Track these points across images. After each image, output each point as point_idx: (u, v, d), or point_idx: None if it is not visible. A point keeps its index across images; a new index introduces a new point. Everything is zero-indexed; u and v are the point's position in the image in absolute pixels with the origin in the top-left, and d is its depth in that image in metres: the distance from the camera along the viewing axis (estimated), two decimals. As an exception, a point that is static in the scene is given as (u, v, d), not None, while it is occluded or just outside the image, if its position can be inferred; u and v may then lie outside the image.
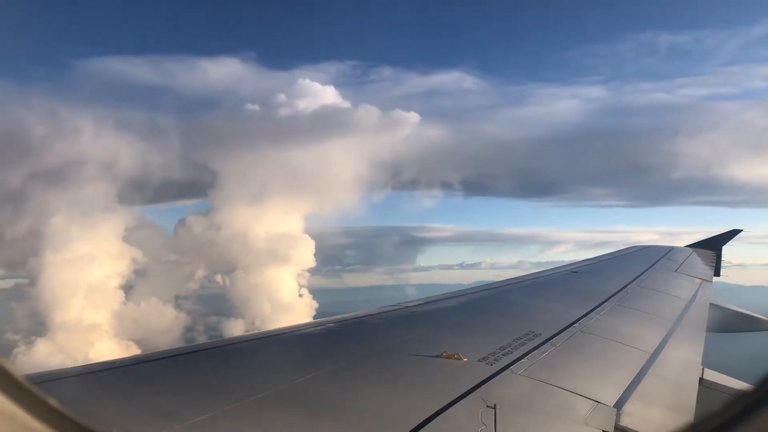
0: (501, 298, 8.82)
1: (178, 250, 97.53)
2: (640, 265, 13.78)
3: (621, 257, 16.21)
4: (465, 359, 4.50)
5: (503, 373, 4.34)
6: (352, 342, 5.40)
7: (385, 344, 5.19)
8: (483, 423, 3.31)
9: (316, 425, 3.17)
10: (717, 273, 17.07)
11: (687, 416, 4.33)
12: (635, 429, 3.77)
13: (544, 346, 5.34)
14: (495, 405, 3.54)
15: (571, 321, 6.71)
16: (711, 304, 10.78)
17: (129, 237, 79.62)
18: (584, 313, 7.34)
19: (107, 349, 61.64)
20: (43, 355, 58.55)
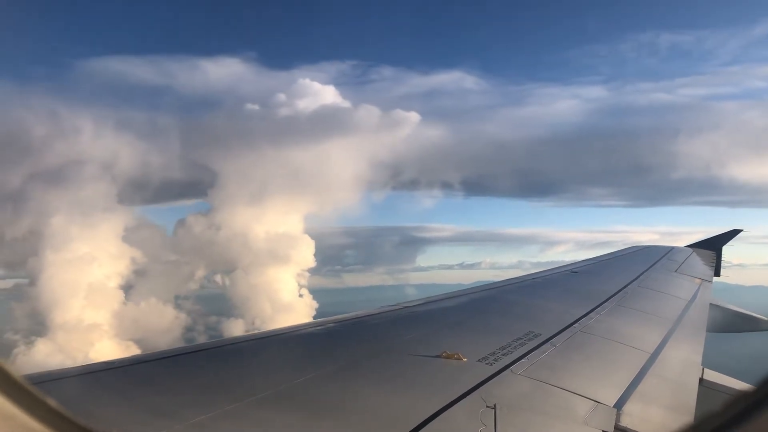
0: (501, 298, 8.82)
1: (178, 250, 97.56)
2: (640, 265, 13.78)
3: (621, 257, 16.21)
4: (465, 359, 4.50)
5: (503, 373, 4.34)
6: (352, 342, 5.40)
7: (385, 344, 5.19)
8: (483, 423, 3.31)
9: (316, 425, 3.17)
10: (717, 273, 17.07)
11: (687, 416, 4.33)
12: (635, 429, 3.77)
13: (544, 346, 5.34)
14: (495, 405, 3.54)
15: (571, 321, 6.71)
16: (711, 304, 10.77)
17: (129, 237, 79.62)
18: (584, 313, 7.34)
19: (107, 349, 61.63)
20: (43, 355, 58.54)
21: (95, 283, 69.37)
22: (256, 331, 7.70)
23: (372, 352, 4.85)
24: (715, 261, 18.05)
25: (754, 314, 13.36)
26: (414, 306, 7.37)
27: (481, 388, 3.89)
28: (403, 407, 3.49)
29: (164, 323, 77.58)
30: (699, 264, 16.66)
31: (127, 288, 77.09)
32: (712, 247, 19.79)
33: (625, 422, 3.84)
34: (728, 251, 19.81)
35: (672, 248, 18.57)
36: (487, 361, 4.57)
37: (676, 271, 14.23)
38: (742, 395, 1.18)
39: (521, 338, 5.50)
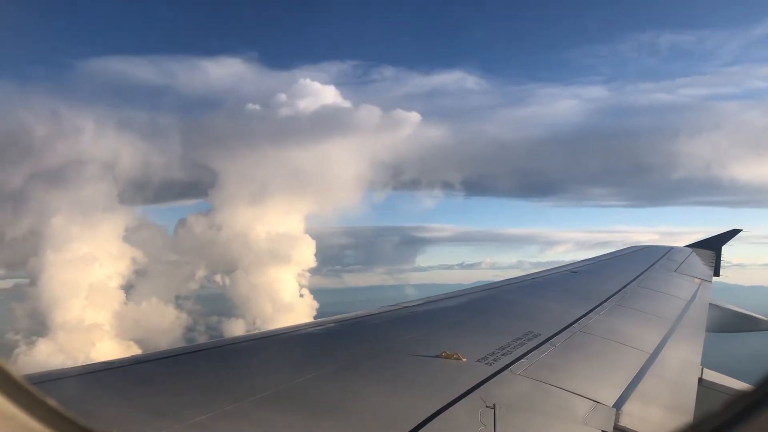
0: (501, 298, 8.82)
1: (179, 250, 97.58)
2: (639, 265, 13.78)
3: (620, 257, 16.21)
4: (464, 359, 4.50)
5: (502, 373, 4.34)
6: (352, 342, 5.40)
7: (385, 344, 5.19)
8: (482, 423, 3.31)
9: (316, 425, 3.17)
10: (716, 273, 17.08)
11: (686, 416, 4.33)
12: (634, 429, 3.78)
13: (543, 346, 5.34)
14: (494, 405, 3.54)
15: (571, 321, 6.71)
16: (710, 304, 10.78)
17: (129, 237, 79.65)
18: (584, 313, 7.34)
19: (108, 349, 61.65)
20: (44, 356, 58.56)
21: (96, 283, 69.42)
22: (257, 331, 7.70)
23: (372, 352, 4.85)
24: (714, 261, 18.05)
25: (754, 314, 13.36)
26: (414, 306, 7.37)
27: (480, 388, 3.89)
28: (403, 407, 3.49)
29: (165, 323, 77.64)
30: (698, 264, 16.67)
31: (128, 288, 77.19)
32: (712, 247, 19.79)
33: (624, 422, 3.84)
34: (728, 251, 19.83)
35: (671, 248, 18.57)
36: (486, 361, 4.57)
37: (675, 271, 14.23)
38: (741, 395, 1.18)
39: (521, 338, 5.50)
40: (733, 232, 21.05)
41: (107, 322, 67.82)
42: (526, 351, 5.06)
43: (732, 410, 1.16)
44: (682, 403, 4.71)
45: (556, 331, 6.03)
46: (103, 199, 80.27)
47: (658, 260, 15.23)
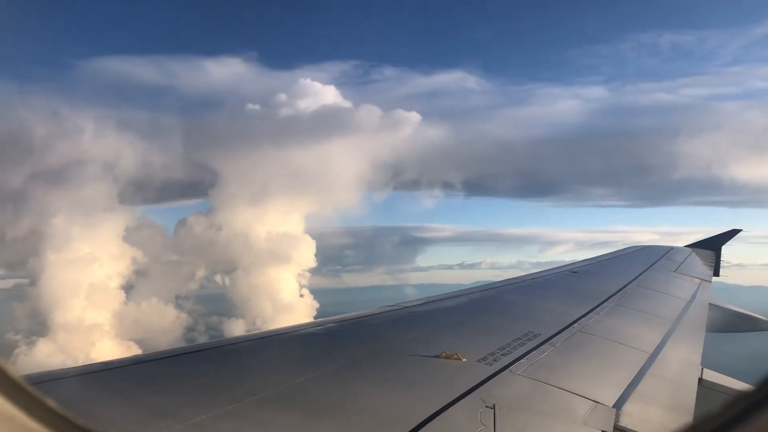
0: (500, 298, 8.82)
1: (179, 250, 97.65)
2: (639, 265, 13.78)
3: (620, 257, 16.21)
4: (464, 359, 4.50)
5: (502, 373, 4.34)
6: (352, 342, 5.40)
7: (385, 344, 5.19)
8: (482, 423, 3.31)
9: (316, 425, 3.17)
10: (716, 273, 17.08)
11: (686, 416, 4.33)
12: (634, 429, 3.77)
13: (543, 347, 5.34)
14: (494, 405, 3.54)
15: (571, 321, 6.71)
16: (710, 304, 10.78)
17: (130, 237, 79.68)
18: (583, 313, 7.34)
19: (108, 349, 61.68)
20: (45, 356, 58.58)
21: (96, 283, 69.44)
22: (257, 331, 7.70)
23: (372, 352, 4.85)
24: (714, 261, 18.06)
25: (754, 314, 13.36)
26: (414, 306, 7.37)
27: (480, 388, 3.89)
28: (403, 407, 3.49)
29: (165, 323, 77.69)
30: (698, 264, 16.67)
31: (128, 288, 77.22)
32: (712, 247, 19.80)
33: (624, 422, 3.84)
34: (728, 251, 19.83)
35: (671, 248, 18.57)
36: (486, 361, 4.57)
37: (675, 271, 14.23)
38: (741, 395, 1.18)
39: (520, 338, 5.50)
40: (733, 232, 21.06)
41: (107, 322, 67.91)
42: (525, 351, 5.06)
43: (732, 410, 1.16)
44: (682, 403, 4.71)
45: (556, 332, 6.03)
46: (104, 199, 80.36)
47: (658, 260, 15.24)
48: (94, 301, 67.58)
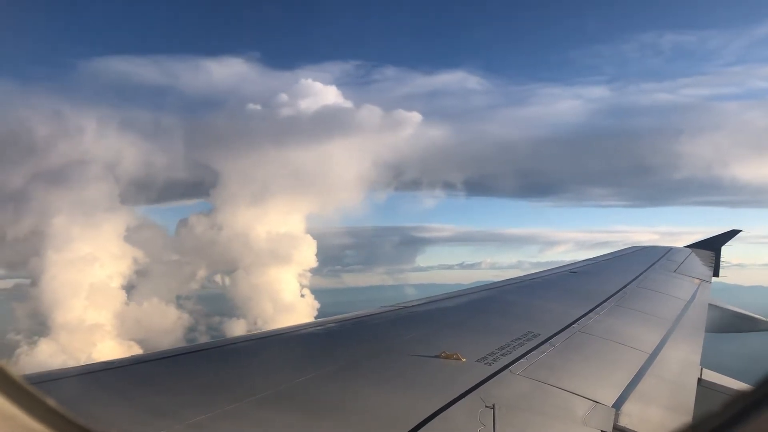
0: (500, 298, 8.82)
1: (180, 250, 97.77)
2: (639, 265, 13.79)
3: (620, 258, 16.22)
4: (464, 359, 4.50)
5: (502, 373, 4.34)
6: (352, 342, 5.40)
7: (385, 344, 5.19)
8: (482, 423, 3.31)
9: (316, 425, 3.17)
10: (716, 273, 17.09)
11: (686, 416, 4.33)
12: (634, 429, 3.78)
13: (543, 347, 5.34)
14: (494, 405, 3.55)
15: (570, 321, 6.71)
16: (710, 304, 10.78)
17: (130, 237, 79.80)
18: (583, 313, 7.34)
19: (109, 349, 61.71)
20: (46, 356, 58.60)
21: (97, 284, 69.53)
22: (257, 331, 7.70)
23: (371, 352, 4.85)
24: (714, 261, 18.06)
25: (753, 314, 13.37)
26: (413, 306, 7.37)
27: (479, 388, 3.89)
28: (403, 407, 3.49)
29: (166, 323, 77.75)
30: (698, 264, 16.68)
31: (129, 288, 77.28)
32: (711, 247, 19.80)
33: (623, 422, 3.85)
34: (727, 251, 19.84)
35: (671, 248, 18.58)
36: (486, 361, 4.57)
37: (675, 271, 14.24)
38: (740, 395, 1.18)
39: (520, 338, 5.50)
40: (733, 233, 21.06)
41: (108, 323, 67.94)
42: (525, 351, 5.06)
43: (731, 410, 1.17)
44: (682, 403, 4.71)
45: (555, 332, 6.03)
46: (105, 199, 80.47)
47: (658, 260, 15.24)
48: (95, 301, 67.68)
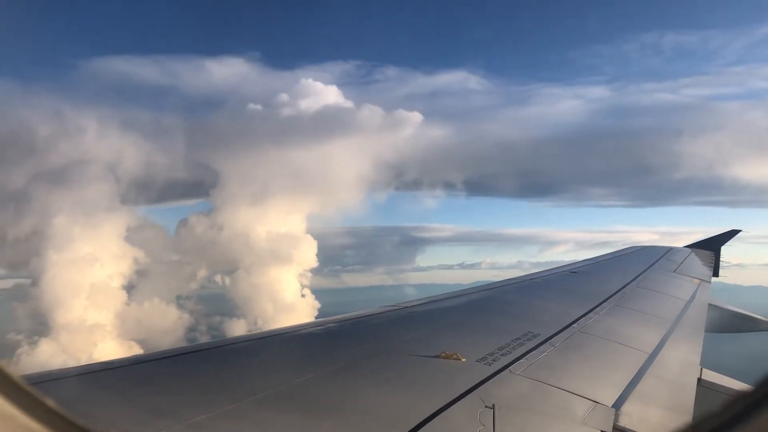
0: (500, 298, 8.82)
1: (180, 250, 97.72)
2: (638, 265, 13.79)
3: (620, 258, 16.22)
4: (464, 359, 4.50)
5: (502, 373, 4.34)
6: (352, 342, 5.40)
7: (385, 344, 5.19)
8: (481, 423, 3.31)
9: (316, 425, 3.17)
10: (716, 273, 17.09)
11: (685, 416, 4.33)
12: (634, 429, 3.78)
13: (542, 347, 5.34)
14: (493, 405, 3.55)
15: (570, 321, 6.71)
16: (709, 304, 10.78)
17: (131, 237, 79.78)
18: (583, 313, 7.34)
19: (110, 349, 61.73)
20: (47, 356, 58.61)
21: (98, 284, 69.52)
22: (257, 331, 7.70)
23: (371, 352, 4.85)
24: (713, 261, 18.06)
25: (753, 314, 13.37)
26: (413, 306, 7.37)
27: (479, 388, 3.89)
28: (403, 407, 3.49)
29: (167, 323, 77.78)
30: (698, 264, 16.68)
31: (130, 288, 77.27)
32: (711, 247, 19.81)
33: (623, 422, 3.85)
34: (727, 251, 19.84)
35: (671, 248, 18.58)
36: (485, 362, 4.57)
37: (674, 271, 14.24)
38: (740, 395, 1.19)
39: (520, 338, 5.50)
40: (732, 233, 21.07)
41: (109, 323, 67.94)
42: (525, 351, 5.06)
43: (731, 410, 1.17)
44: (682, 403, 4.71)
45: (555, 332, 6.03)
46: (105, 199, 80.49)
47: (658, 260, 15.24)
48: (96, 301, 67.67)
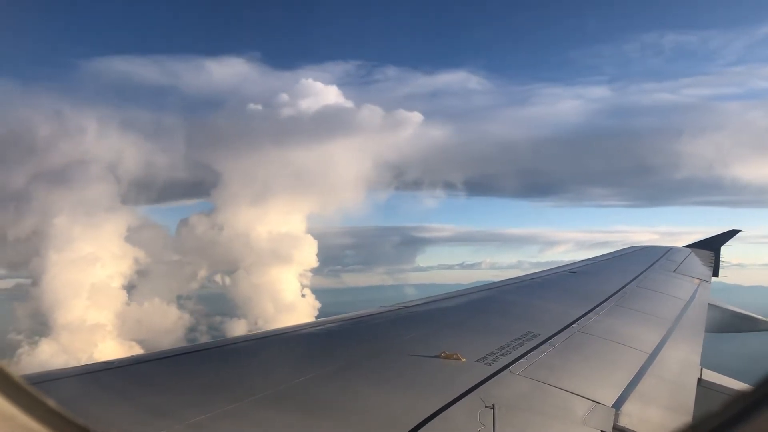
0: (500, 298, 8.82)
1: (181, 250, 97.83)
2: (638, 265, 13.79)
3: (619, 257, 16.22)
4: (464, 359, 4.50)
5: (502, 373, 4.34)
6: (352, 342, 5.40)
7: (385, 344, 5.19)
8: (481, 423, 3.31)
9: (315, 425, 3.17)
10: (716, 273, 17.09)
11: (685, 416, 4.33)
12: (634, 429, 3.78)
13: (542, 347, 5.34)
14: (493, 405, 3.55)
15: (570, 321, 6.71)
16: (709, 304, 10.78)
17: (131, 237, 79.92)
18: (583, 313, 7.34)
19: (111, 349, 61.79)
20: (47, 356, 58.63)
21: (98, 284, 69.60)
22: (257, 331, 7.70)
23: (371, 352, 4.85)
24: (713, 261, 18.07)
25: (753, 314, 13.37)
26: (413, 306, 7.37)
27: (479, 388, 3.89)
28: (402, 407, 3.49)
29: (167, 323, 77.86)
30: (697, 264, 16.68)
31: (130, 288, 77.33)
32: (711, 247, 19.81)
33: (623, 422, 3.85)
34: (727, 251, 19.85)
35: (670, 248, 18.58)
36: (485, 361, 4.57)
37: (674, 271, 14.24)
38: (740, 395, 1.19)
39: (520, 338, 5.50)
40: (732, 233, 21.07)
41: (110, 323, 67.99)
42: (525, 351, 5.06)
43: (731, 410, 1.17)
44: (682, 403, 4.71)
45: (555, 332, 6.03)
46: (106, 199, 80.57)
47: (657, 260, 15.24)
48: (97, 301, 67.74)
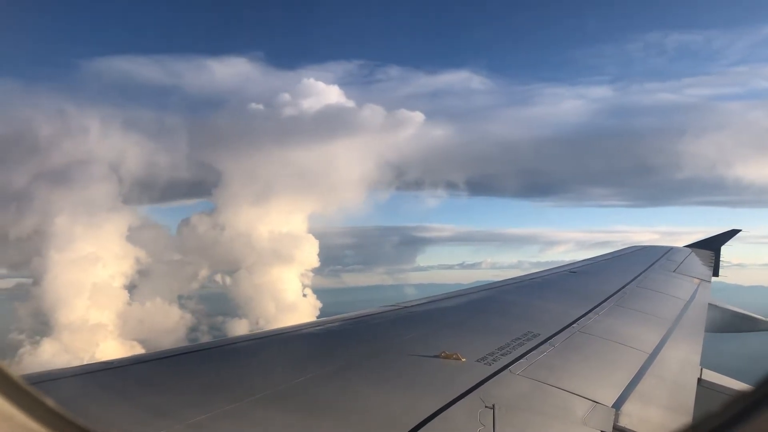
0: (500, 298, 8.82)
1: (182, 249, 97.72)
2: (638, 265, 13.79)
3: (620, 257, 16.22)
4: (464, 359, 4.50)
5: (502, 373, 4.34)
6: (352, 342, 5.40)
7: (385, 344, 5.19)
8: (481, 423, 3.31)
9: (315, 425, 3.17)
10: (716, 273, 17.10)
11: (685, 416, 4.33)
12: (633, 429, 3.78)
13: (542, 347, 5.34)
14: (493, 405, 3.55)
15: (570, 321, 6.71)
16: (709, 304, 10.78)
17: (133, 237, 79.87)
18: (583, 313, 7.34)
19: (112, 349, 61.79)
20: (49, 356, 58.66)
21: (100, 283, 69.57)
22: (257, 331, 7.71)
23: (371, 352, 4.85)
24: (713, 261, 18.07)
25: (753, 314, 13.36)
26: (413, 306, 7.37)
27: (479, 388, 3.89)
28: (402, 407, 3.49)
29: (169, 323, 77.84)
30: (698, 264, 16.68)
31: (132, 288, 77.31)
32: (711, 247, 19.81)
33: (623, 422, 3.85)
34: (727, 251, 19.85)
35: (671, 248, 18.58)
36: (485, 361, 4.57)
37: (674, 271, 14.24)
38: (740, 395, 1.19)
39: (520, 338, 5.50)
40: (732, 233, 21.08)
41: (111, 322, 67.98)
42: (525, 351, 5.06)
43: (731, 410, 1.17)
44: (682, 403, 4.71)
45: (555, 332, 6.03)
46: (107, 198, 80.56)
47: (657, 260, 15.24)
48: (98, 300, 67.73)
